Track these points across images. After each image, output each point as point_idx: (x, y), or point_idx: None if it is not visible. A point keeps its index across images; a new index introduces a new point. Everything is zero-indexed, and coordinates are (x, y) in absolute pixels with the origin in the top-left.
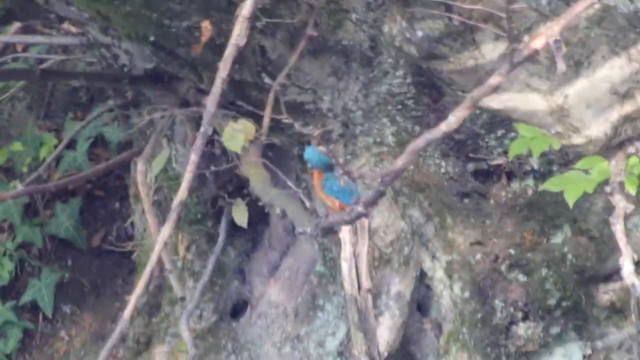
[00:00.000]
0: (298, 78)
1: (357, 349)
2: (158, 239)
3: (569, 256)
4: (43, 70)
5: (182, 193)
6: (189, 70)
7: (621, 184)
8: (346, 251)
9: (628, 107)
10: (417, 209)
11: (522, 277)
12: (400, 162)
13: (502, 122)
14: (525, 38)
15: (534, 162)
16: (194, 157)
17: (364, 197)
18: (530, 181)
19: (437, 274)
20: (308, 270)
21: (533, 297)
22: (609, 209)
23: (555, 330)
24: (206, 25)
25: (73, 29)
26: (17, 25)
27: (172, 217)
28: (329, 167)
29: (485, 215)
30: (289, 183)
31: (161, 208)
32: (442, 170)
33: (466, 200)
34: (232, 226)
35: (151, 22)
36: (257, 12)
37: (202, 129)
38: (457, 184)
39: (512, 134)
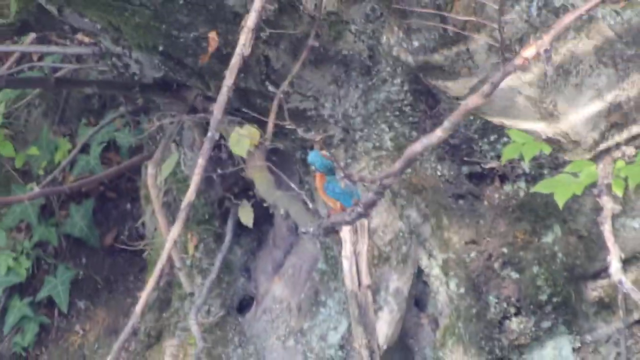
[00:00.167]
0: (300, 86)
1: (358, 343)
2: (168, 238)
3: (559, 255)
4: (57, 79)
5: (190, 194)
6: (196, 78)
7: (608, 186)
8: (347, 250)
9: (615, 114)
10: (415, 209)
11: (514, 274)
12: (398, 165)
13: (495, 127)
14: (517, 48)
15: (526, 166)
16: (201, 161)
17: (363, 198)
18: (522, 184)
19: (434, 271)
20: (311, 268)
21: (525, 293)
22: (597, 210)
23: (546, 324)
24: (213, 36)
25: (86, 40)
26: (32, 35)
27: (181, 217)
28: (330, 171)
29: (479, 215)
30: (292, 185)
31: (170, 209)
32: (438, 173)
33: (461, 202)
34: (238, 226)
35: (160, 33)
36: (262, 23)
37: (209, 134)
38: (452, 186)
39: (505, 139)
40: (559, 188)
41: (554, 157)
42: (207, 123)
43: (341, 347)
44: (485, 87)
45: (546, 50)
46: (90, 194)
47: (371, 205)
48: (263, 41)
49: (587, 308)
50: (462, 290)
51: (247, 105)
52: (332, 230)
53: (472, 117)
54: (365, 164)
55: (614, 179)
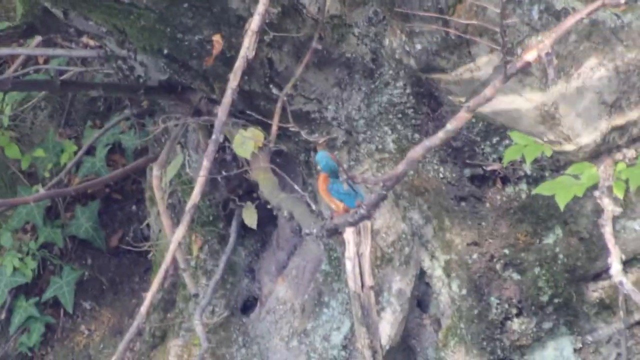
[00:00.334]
0: (304, 88)
1: (360, 343)
2: (172, 239)
3: (560, 256)
4: (63, 81)
5: (195, 196)
6: (201, 81)
7: (609, 189)
8: (350, 251)
9: (616, 116)
10: (417, 211)
11: (516, 276)
12: (400, 167)
13: (497, 130)
14: (518, 51)
15: (527, 168)
16: (206, 163)
17: (366, 200)
18: (523, 186)
19: (436, 272)
20: (314, 269)
21: (526, 294)
22: (598, 211)
23: (547, 325)
24: (217, 39)
25: (91, 43)
26: (38, 38)
27: (186, 219)
28: (334, 173)
29: (481, 217)
30: (296, 187)
31: (175, 210)
32: (441, 175)
33: (463, 204)
34: (243, 227)
35: (165, 36)
36: (265, 26)
37: (213, 136)
38: (454, 188)
39: (507, 142)
40: (560, 190)
41: (555, 159)
42: (212, 125)
43: (344, 347)
44: (487, 90)
45: (548, 54)
46: (96, 196)
47: (374, 206)
48: (267, 44)
49: (588, 309)
50: (464, 291)
51: (251, 108)
52: (336, 232)
53: (474, 120)
54: (368, 166)
55: (614, 181)
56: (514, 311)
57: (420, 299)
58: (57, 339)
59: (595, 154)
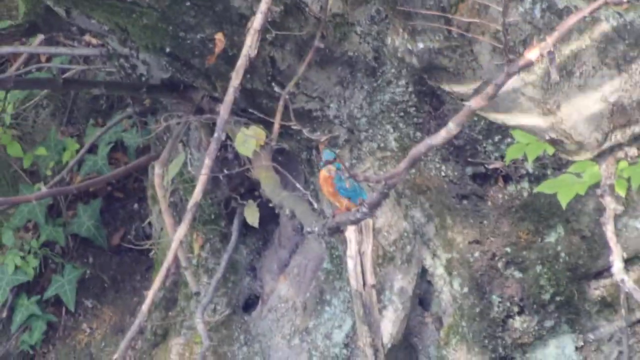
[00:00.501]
0: (306, 87)
1: (362, 341)
2: (174, 237)
3: (562, 254)
4: (65, 80)
5: (197, 195)
6: (203, 79)
7: (611, 187)
8: (352, 249)
9: (618, 115)
10: (419, 210)
11: (517, 274)
12: (402, 166)
13: (499, 128)
14: (521, 49)
15: (529, 166)
16: (208, 161)
17: (368, 198)
18: (525, 184)
19: (438, 270)
20: (316, 267)
21: (528, 292)
22: (600, 210)
23: (549, 323)
24: (219, 37)
25: (94, 41)
26: (40, 37)
27: (188, 217)
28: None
29: (483, 215)
30: (298, 185)
31: (177, 209)
32: (442, 173)
33: (465, 202)
34: (244, 226)
35: (167, 35)
36: (267, 25)
37: (215, 135)
38: (456, 187)
39: (509, 140)
40: (562, 188)
41: (557, 157)
42: (214, 123)
43: (346, 345)
44: (489, 89)
45: (550, 52)
46: (98, 194)
47: (376, 205)
48: (269, 42)
49: (589, 307)
50: (465, 289)
51: (253, 106)
52: (337, 230)
53: (476, 118)
54: (370, 164)
55: (616, 180)
56: (516, 309)
57: (422, 297)
58: (58, 337)
59: (597, 152)
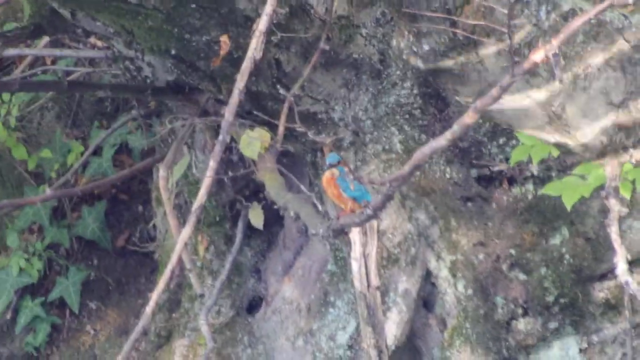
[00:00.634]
0: (311, 89)
1: (366, 343)
2: (179, 239)
3: (567, 256)
4: (70, 82)
5: (201, 197)
6: (208, 81)
7: (616, 189)
8: (356, 251)
9: (622, 117)
10: (423, 212)
11: (522, 276)
12: (407, 168)
13: (503, 130)
14: (526, 52)
15: (534, 168)
16: (212, 164)
17: (373, 201)
18: (530, 186)
19: (442, 272)
20: (320, 269)
21: (532, 294)
22: (605, 212)
23: (553, 325)
24: (224, 39)
25: (99, 43)
26: (46, 39)
27: (192, 219)
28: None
29: (488, 218)
30: (302, 187)
31: (182, 211)
32: (447, 175)
33: (469, 204)
34: (249, 228)
35: (172, 37)
36: (273, 27)
37: (220, 137)
38: (461, 189)
39: (513, 142)
40: (567, 190)
41: (562, 159)
42: (219, 126)
43: (350, 347)
44: (494, 91)
45: (555, 54)
46: (102, 196)
47: (381, 207)
48: (274, 45)
49: (593, 309)
50: (469, 291)
51: (258, 108)
52: (342, 232)
53: (481, 121)
54: (374, 167)
55: (621, 182)
56: (520, 311)
57: (426, 299)
58: (62, 339)
59: (602, 154)
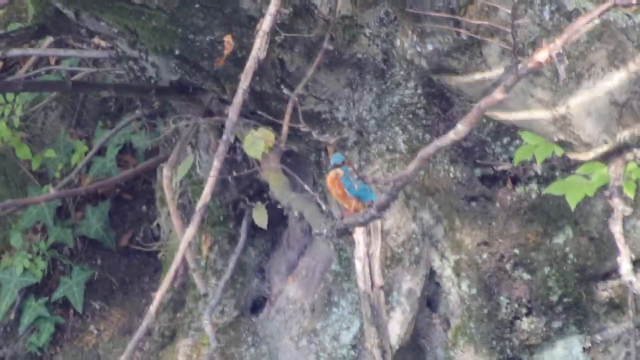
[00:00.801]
0: (315, 89)
1: (370, 343)
2: (182, 239)
3: (570, 256)
4: (74, 82)
5: (205, 197)
6: (212, 81)
7: (620, 189)
8: (360, 251)
9: (626, 117)
10: (427, 211)
11: (526, 275)
12: (411, 167)
13: (507, 130)
14: (530, 51)
15: (538, 168)
16: (216, 163)
17: (377, 200)
18: (534, 185)
19: (446, 272)
20: (324, 269)
21: (536, 293)
22: (608, 211)
23: (557, 324)
24: (228, 39)
25: (103, 43)
26: (50, 39)
27: (196, 219)
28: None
29: (492, 217)
30: (306, 187)
31: (185, 211)
32: (451, 175)
33: (473, 204)
34: (253, 227)
35: (176, 37)
36: (276, 27)
37: (224, 137)
38: (465, 188)
39: (517, 142)
40: (571, 190)
41: (566, 159)
42: (223, 126)
43: (354, 347)
44: (498, 90)
45: (559, 54)
46: (106, 196)
47: (385, 207)
48: (278, 45)
49: (597, 308)
50: (473, 291)
51: (262, 108)
52: (346, 232)
53: (485, 120)
54: (379, 166)
55: (625, 181)
56: (524, 311)
57: (430, 299)
58: (66, 338)
59: (606, 154)
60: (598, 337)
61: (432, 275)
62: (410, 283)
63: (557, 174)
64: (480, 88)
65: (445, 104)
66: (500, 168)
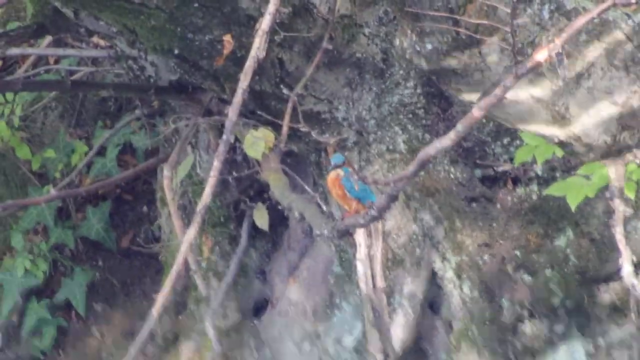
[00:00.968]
0: (314, 89)
1: (372, 346)
2: (183, 240)
3: (572, 257)
4: (74, 81)
5: (206, 197)
6: (211, 81)
7: (620, 189)
8: (361, 252)
9: (627, 117)
10: (428, 212)
11: (527, 278)
12: (411, 168)
13: (507, 130)
14: (529, 51)
15: (538, 169)
16: (216, 164)
17: (377, 201)
18: (534, 186)
19: (447, 274)
20: (325, 271)
21: (538, 296)
22: (609, 212)
23: (559, 328)
24: (228, 38)
25: (102, 43)
26: (49, 38)
27: (197, 220)
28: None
29: (492, 218)
30: (307, 188)
31: (186, 211)
32: (452, 176)
33: (474, 205)
34: (254, 229)
35: (175, 36)
36: (276, 26)
37: (224, 137)
38: (465, 189)
39: (518, 142)
40: (572, 191)
41: (567, 160)
42: (223, 125)
43: (356, 350)
44: (498, 90)
45: (558, 53)
46: (107, 197)
47: (385, 208)
48: (277, 44)
49: (599, 311)
50: (475, 293)
51: (261, 108)
52: (347, 233)
53: (485, 120)
54: (378, 167)
55: (625, 182)
56: (526, 314)
57: (432, 301)
58: (69, 341)
59: (606, 155)
60: (601, 341)
61: (433, 277)
62: (411, 285)
63: (557, 174)
64: (479, 88)
65: (444, 104)
66: (500, 169)
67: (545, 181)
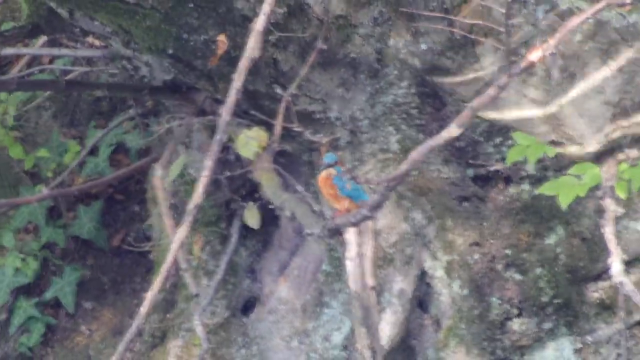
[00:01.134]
0: (308, 89)
1: (360, 343)
2: (174, 239)
3: (562, 256)
4: (68, 81)
5: (197, 196)
6: (205, 81)
7: (612, 189)
8: (351, 251)
9: (619, 116)
10: (420, 211)
11: (517, 276)
12: (404, 167)
13: (500, 130)
14: (523, 51)
15: (530, 168)
16: (209, 163)
17: (369, 200)
18: (526, 186)
19: (438, 272)
20: (315, 269)
21: (527, 294)
22: (600, 212)
23: (547, 325)
24: (222, 38)
25: (97, 42)
26: (43, 38)
27: (188, 219)
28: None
29: (484, 217)
30: (299, 187)
31: (178, 211)
32: (444, 175)
33: (466, 204)
34: (245, 227)
35: (170, 36)
36: (270, 26)
37: (217, 136)
38: (457, 188)
39: (510, 142)
40: (563, 190)
41: (558, 159)
42: (216, 125)
43: (344, 347)
44: (491, 90)
45: (552, 54)
46: (99, 196)
47: (377, 207)
48: (272, 44)
49: (588, 309)
50: (465, 291)
51: (255, 108)
52: (337, 232)
53: (477, 120)
54: (371, 166)
55: (617, 182)
56: (515, 311)
57: (421, 299)
58: (57, 339)
59: (598, 154)
60: (589, 338)
61: (423, 276)
62: (401, 284)
63: (549, 174)
64: (473, 88)
65: (438, 104)
66: (492, 168)
67: (537, 180)
